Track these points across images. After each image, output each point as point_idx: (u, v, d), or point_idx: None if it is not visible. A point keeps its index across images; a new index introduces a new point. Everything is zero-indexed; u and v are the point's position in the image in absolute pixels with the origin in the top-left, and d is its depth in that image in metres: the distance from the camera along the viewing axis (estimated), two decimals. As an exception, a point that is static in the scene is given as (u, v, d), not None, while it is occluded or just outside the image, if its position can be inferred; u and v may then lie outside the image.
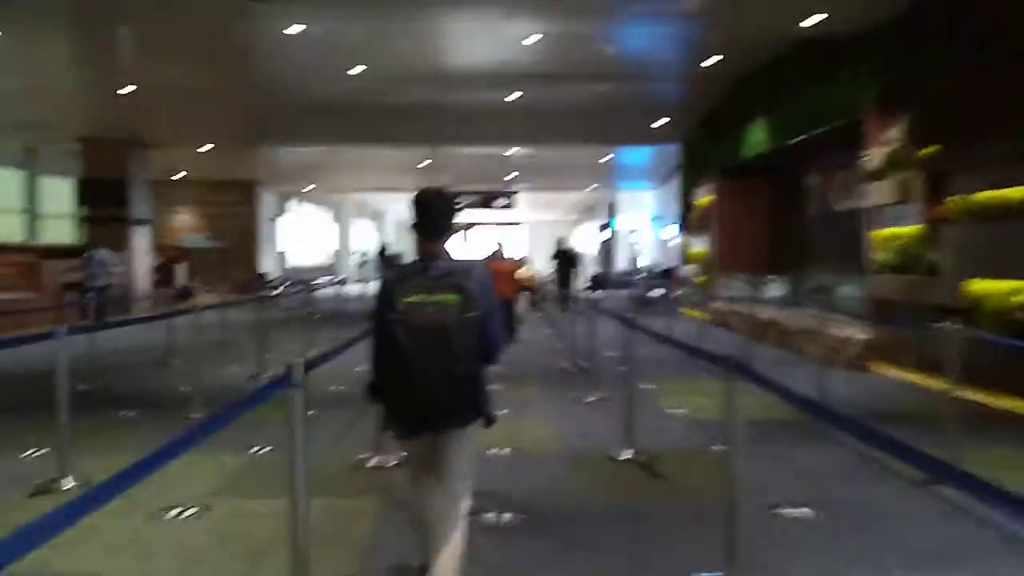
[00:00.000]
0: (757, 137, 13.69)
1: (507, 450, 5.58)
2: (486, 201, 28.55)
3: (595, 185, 29.19)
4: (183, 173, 25.42)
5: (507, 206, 28.47)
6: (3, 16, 11.01)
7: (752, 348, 9.85)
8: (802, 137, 11.97)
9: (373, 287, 15.51)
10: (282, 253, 31.31)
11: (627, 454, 5.42)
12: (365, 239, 44.70)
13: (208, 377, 8.64)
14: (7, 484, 4.78)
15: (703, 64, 13.11)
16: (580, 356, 9.69)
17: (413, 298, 2.73)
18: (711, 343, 9.18)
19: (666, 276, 21.19)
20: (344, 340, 5.01)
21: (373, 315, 2.89)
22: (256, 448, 5.62)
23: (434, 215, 2.94)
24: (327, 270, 36.71)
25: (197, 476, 4.93)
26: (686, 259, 18.82)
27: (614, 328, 7.47)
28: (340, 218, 40.06)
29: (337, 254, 39.85)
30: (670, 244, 23.72)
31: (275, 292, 20.55)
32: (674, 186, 21.16)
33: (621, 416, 5.75)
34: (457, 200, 3.15)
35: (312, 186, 31.34)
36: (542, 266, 25.67)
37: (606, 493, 4.70)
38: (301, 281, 25.71)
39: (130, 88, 14.49)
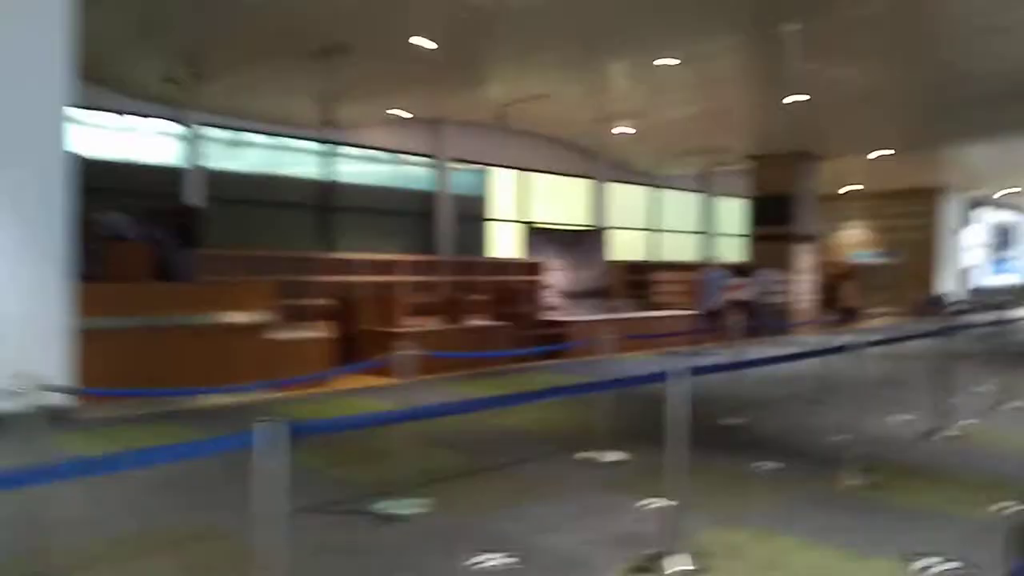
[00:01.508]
0: None
1: None
2: None
3: None
4: (854, 185, 23.85)
5: None
6: (683, 45, 11.33)
7: None
8: None
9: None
10: (965, 270, 26.86)
11: None
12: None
13: (869, 425, 6.95)
14: (607, 547, 4.02)
15: None
16: None
17: None
18: None
19: None
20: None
21: None
22: (926, 561, 3.76)
23: None
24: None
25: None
26: None
27: None
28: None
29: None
30: None
31: (942, 313, 17.28)
32: None
33: None
34: None
35: (1011, 190, 26.15)
36: None
37: None
38: (987, 305, 21.42)
39: (798, 98, 13.66)
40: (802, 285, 18.70)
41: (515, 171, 18.35)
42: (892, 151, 18.45)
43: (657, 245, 22.24)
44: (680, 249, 22.68)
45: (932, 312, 20.28)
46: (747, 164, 19.19)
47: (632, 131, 16.58)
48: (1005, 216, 30.39)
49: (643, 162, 20.81)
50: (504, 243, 17.79)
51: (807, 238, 18.87)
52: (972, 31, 10.56)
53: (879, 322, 19.93)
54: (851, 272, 22.58)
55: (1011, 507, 4.64)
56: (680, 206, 23.20)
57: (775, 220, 18.57)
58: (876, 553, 3.89)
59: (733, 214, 23.57)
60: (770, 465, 5.66)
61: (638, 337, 11.68)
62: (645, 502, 4.68)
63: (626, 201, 21.39)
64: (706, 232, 23.85)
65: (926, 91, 13.77)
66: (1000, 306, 19.14)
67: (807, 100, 13.67)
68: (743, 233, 20.95)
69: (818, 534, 4.18)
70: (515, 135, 17.24)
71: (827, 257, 21.95)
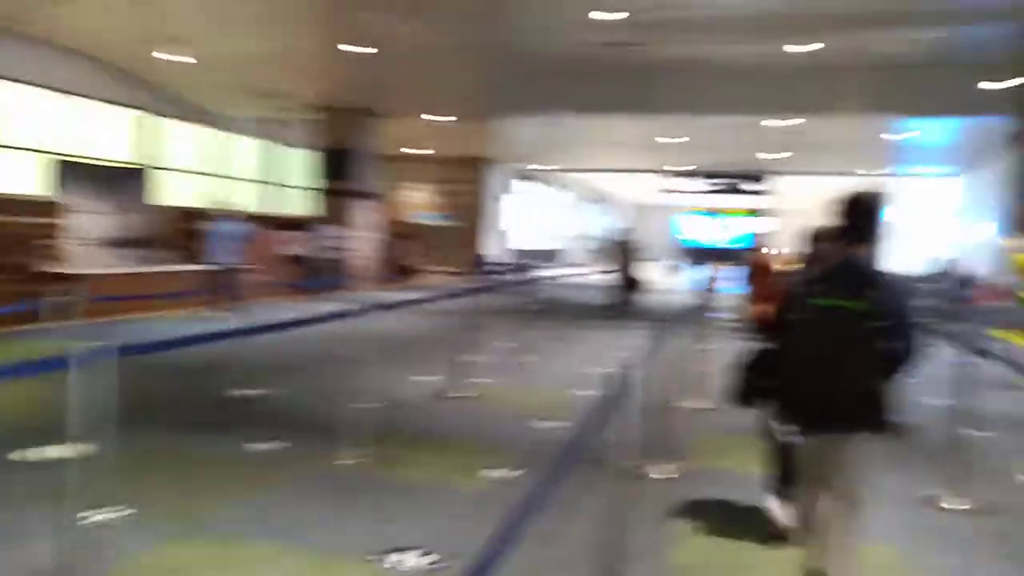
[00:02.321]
0: None
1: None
2: (733, 185, 25.25)
3: (884, 170, 24.54)
4: (417, 148, 24.75)
5: (760, 192, 24.89)
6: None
7: None
8: None
9: (605, 278, 12.38)
10: (505, 234, 29.88)
11: None
12: (593, 223, 42.76)
13: (393, 388, 6.81)
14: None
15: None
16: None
17: (822, 301, 2.77)
18: None
19: (965, 286, 16.73)
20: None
21: (779, 313, 3.05)
22: (400, 553, 3.47)
23: (858, 218, 2.84)
24: (552, 255, 35.08)
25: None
26: (1016, 266, 14.45)
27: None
28: (566, 200, 38.35)
29: (563, 238, 38.17)
30: (980, 246, 18.99)
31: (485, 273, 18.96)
32: (995, 172, 16.62)
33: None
34: (883, 204, 2.87)
35: (541, 165, 29.74)
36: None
37: None
38: (521, 266, 24.14)
39: (360, 49, 13.30)
40: (362, 242, 18.76)
41: (30, 88, 15.02)
42: (449, 118, 19.33)
43: (220, 192, 20.42)
44: (247, 198, 21.18)
45: (478, 272, 22.05)
46: (313, 115, 18.52)
47: (187, 60, 14.68)
48: (546, 189, 34.67)
49: (204, 98, 18.81)
50: (17, 177, 14.48)
51: (369, 195, 18.96)
52: (525, 6, 11.18)
53: (435, 280, 21.05)
54: (412, 232, 23.51)
55: (503, 473, 4.69)
56: (247, 152, 21.63)
57: (338, 175, 18.27)
58: (349, 553, 3.47)
59: (301, 165, 22.78)
60: (271, 445, 5.05)
61: (166, 296, 10.36)
62: (90, 514, 3.67)
63: (184, 141, 19.19)
64: (271, 182, 22.69)
65: (480, 61, 14.51)
66: (531, 267, 21.62)
67: (370, 53, 13.42)
68: (310, 186, 20.33)
69: (295, 534, 3.67)
70: (34, 44, 14.06)
71: (389, 216, 22.45)
